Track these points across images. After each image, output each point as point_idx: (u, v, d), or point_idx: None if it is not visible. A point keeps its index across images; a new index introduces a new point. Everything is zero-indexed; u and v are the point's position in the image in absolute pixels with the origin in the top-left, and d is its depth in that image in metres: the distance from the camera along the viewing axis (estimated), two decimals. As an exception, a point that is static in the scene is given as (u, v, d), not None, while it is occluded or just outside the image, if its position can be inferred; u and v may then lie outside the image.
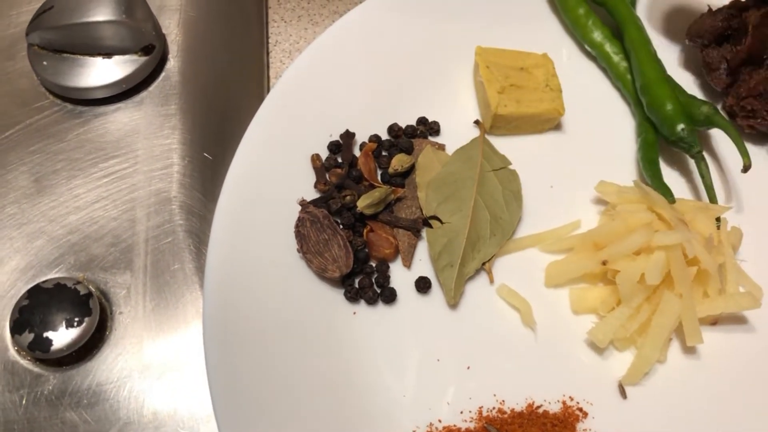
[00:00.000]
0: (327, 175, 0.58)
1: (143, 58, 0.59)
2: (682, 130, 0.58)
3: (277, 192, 0.56)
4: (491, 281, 0.56)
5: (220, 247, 0.52)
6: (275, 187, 0.56)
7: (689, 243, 0.51)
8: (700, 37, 0.63)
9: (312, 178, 0.58)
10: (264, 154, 0.57)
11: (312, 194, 0.57)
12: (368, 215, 0.56)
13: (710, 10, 0.63)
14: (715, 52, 0.63)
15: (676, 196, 0.58)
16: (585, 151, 0.62)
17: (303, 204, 0.56)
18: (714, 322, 0.54)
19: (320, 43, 0.64)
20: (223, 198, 0.54)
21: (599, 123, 0.63)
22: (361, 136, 0.61)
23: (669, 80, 0.62)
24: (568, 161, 0.61)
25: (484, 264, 0.56)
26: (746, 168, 0.56)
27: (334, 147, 0.59)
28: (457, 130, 0.62)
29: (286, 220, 0.55)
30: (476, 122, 0.63)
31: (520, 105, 0.61)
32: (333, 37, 0.64)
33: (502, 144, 0.62)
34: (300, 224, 0.54)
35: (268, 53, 0.68)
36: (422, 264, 0.56)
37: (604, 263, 0.53)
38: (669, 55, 0.67)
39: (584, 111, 0.64)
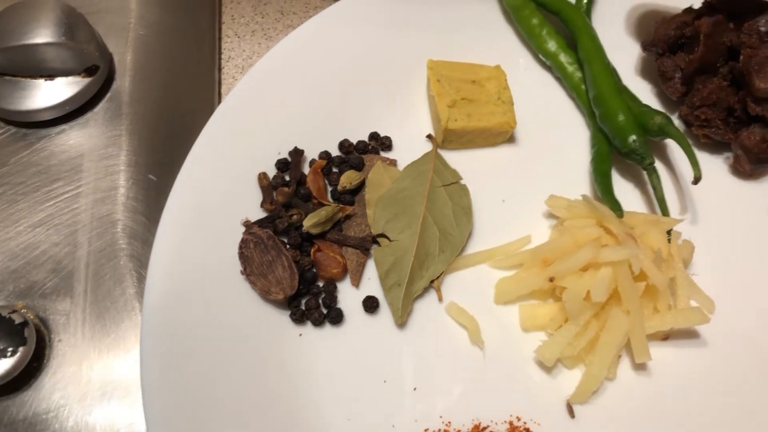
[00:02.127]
0: (274, 194, 0.57)
1: (87, 80, 0.58)
2: (634, 141, 0.57)
3: (222, 212, 0.56)
4: (440, 299, 0.55)
5: (161, 269, 0.52)
6: (220, 207, 0.56)
7: (636, 258, 0.50)
8: (654, 46, 0.62)
9: (259, 197, 0.57)
10: (209, 173, 0.57)
11: (259, 214, 0.57)
12: (316, 234, 0.56)
13: (664, 19, 0.63)
14: (669, 61, 0.62)
15: (630, 208, 0.58)
16: (538, 163, 0.61)
17: (247, 225, 0.55)
18: (665, 337, 0.53)
19: (269, 58, 0.63)
20: (165, 219, 0.54)
21: (554, 135, 0.63)
22: (312, 153, 0.60)
23: (623, 91, 0.62)
24: (521, 174, 0.61)
25: (432, 282, 0.55)
26: (697, 180, 0.55)
27: (282, 165, 0.59)
28: (410, 145, 0.62)
29: (231, 241, 0.54)
30: (429, 136, 0.62)
31: (472, 119, 0.60)
32: (282, 53, 0.63)
33: (455, 158, 0.61)
34: (243, 246, 0.54)
35: (220, 69, 0.68)
36: (372, 283, 0.55)
37: (551, 280, 0.52)
38: (627, 63, 0.67)
39: (539, 123, 0.63)
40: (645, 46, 0.63)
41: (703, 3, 0.62)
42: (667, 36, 0.61)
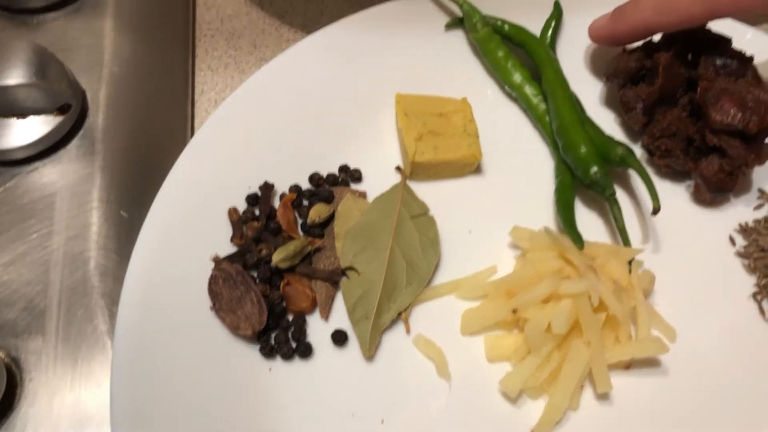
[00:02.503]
0: (244, 229, 0.58)
1: (59, 118, 0.60)
2: (595, 173, 0.59)
3: (193, 248, 0.57)
4: (408, 331, 0.56)
5: (131, 306, 0.53)
6: (190, 242, 0.57)
7: (595, 290, 0.51)
8: (616, 77, 0.64)
9: (230, 231, 0.58)
10: (179, 209, 0.58)
11: (230, 248, 0.58)
12: (285, 268, 0.57)
13: (625, 50, 0.64)
14: (631, 92, 0.63)
15: (593, 237, 0.59)
16: (504, 194, 0.62)
17: (216, 261, 0.56)
18: (627, 366, 0.54)
19: (240, 92, 0.64)
20: (136, 256, 0.55)
21: (519, 166, 0.64)
22: (283, 186, 0.61)
23: (586, 122, 0.63)
24: (488, 205, 0.62)
25: (400, 314, 0.56)
26: (655, 211, 0.56)
27: (252, 199, 0.60)
28: (380, 177, 0.63)
29: (202, 276, 0.55)
30: (397, 168, 0.63)
31: (438, 152, 0.61)
32: (253, 86, 0.65)
33: (423, 189, 0.62)
34: (212, 282, 0.55)
35: (193, 103, 0.69)
36: (341, 315, 0.56)
37: (514, 311, 0.53)
38: (592, 93, 0.68)
39: (505, 154, 0.64)
40: (607, 77, 0.65)
41: (663, 36, 0.64)
42: (628, 68, 0.63)
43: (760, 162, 0.59)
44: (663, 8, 0.58)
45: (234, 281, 0.54)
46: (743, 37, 0.68)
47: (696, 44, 0.62)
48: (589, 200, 0.62)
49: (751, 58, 0.60)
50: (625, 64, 0.63)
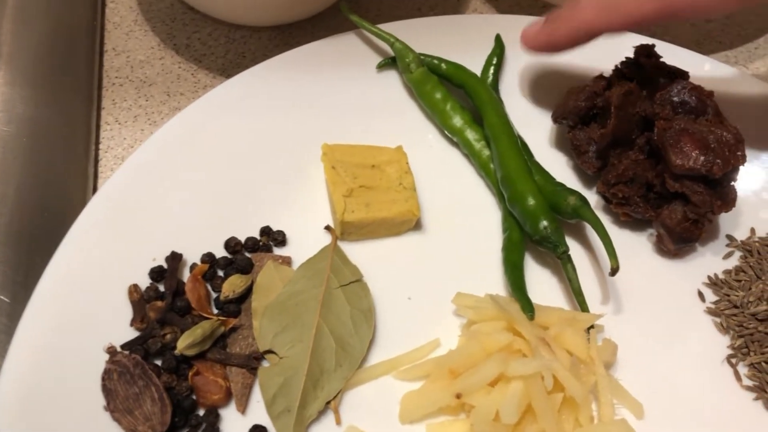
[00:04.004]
0: (146, 309, 0.50)
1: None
2: (545, 228, 0.52)
3: (85, 336, 0.49)
4: (338, 422, 0.48)
5: (11, 406, 0.45)
6: (82, 329, 0.49)
7: (548, 370, 0.44)
8: (565, 119, 0.58)
9: (130, 313, 0.50)
10: (70, 289, 0.50)
11: (130, 334, 0.50)
12: (193, 355, 0.49)
13: (573, 88, 0.58)
14: (582, 133, 0.57)
15: (549, 301, 0.52)
16: (448, 254, 0.56)
17: (111, 351, 0.48)
18: (591, 451, 0.47)
19: (146, 147, 0.57)
20: (15, 347, 0.47)
21: (464, 220, 0.57)
22: (194, 256, 0.54)
23: (535, 169, 0.57)
24: (430, 267, 0.55)
25: (329, 402, 0.48)
26: (614, 271, 0.50)
27: (156, 274, 0.52)
28: (308, 239, 0.56)
29: (95, 371, 0.47)
30: (327, 228, 0.56)
31: (370, 209, 0.54)
32: (161, 140, 0.58)
33: (357, 250, 0.55)
34: (106, 377, 0.47)
35: (96, 162, 0.61)
36: (261, 406, 0.48)
37: (458, 396, 0.46)
38: (542, 134, 0.62)
39: (448, 207, 0.58)
40: (555, 119, 0.59)
41: (613, 71, 0.58)
42: (577, 108, 0.57)
43: (727, 208, 0.53)
44: (608, 7, 0.51)
45: (131, 375, 0.46)
46: (701, 68, 0.63)
47: (651, 79, 0.56)
48: (542, 257, 0.56)
49: (711, 93, 0.54)
50: (574, 104, 0.57)
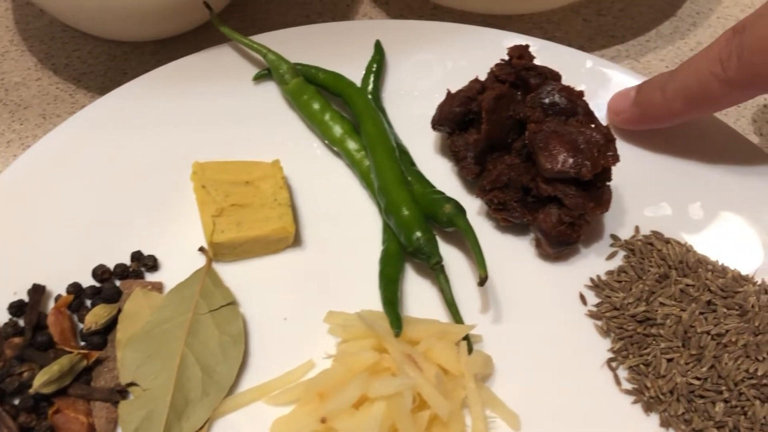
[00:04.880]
0: (3, 346, 0.48)
1: None
2: (418, 239, 0.51)
3: (-66, 380, 0.46)
4: (206, 454, 0.46)
5: None
6: (-68, 374, 0.46)
7: (410, 388, 0.43)
8: (442, 125, 0.57)
9: (-13, 352, 0.48)
10: None
11: (-14, 373, 0.47)
12: (51, 393, 0.47)
13: (449, 93, 0.57)
14: (460, 139, 0.56)
15: (429, 314, 0.51)
16: (327, 270, 0.54)
17: (-42, 396, 0.46)
18: (465, 467, 0.46)
19: (8, 174, 0.55)
20: None
21: (345, 234, 0.56)
22: (59, 287, 0.51)
23: (413, 178, 0.56)
24: (308, 285, 0.53)
25: (196, 433, 0.47)
26: (482, 281, 0.49)
27: (16, 309, 0.50)
28: (181, 262, 0.54)
29: (-57, 416, 0.45)
30: (201, 249, 0.55)
31: (242, 228, 0.53)
32: (24, 164, 0.55)
33: (233, 270, 0.54)
34: (-48, 423, 0.44)
35: (-38, 193, 0.58)
36: (128, 441, 0.47)
37: (323, 421, 0.44)
38: (426, 141, 0.61)
39: (329, 221, 0.56)
40: (434, 125, 0.58)
41: (488, 74, 0.57)
42: (452, 114, 0.56)
43: (602, 209, 0.52)
44: (696, 101, 0.54)
45: (-19, 419, 0.44)
46: (582, 66, 0.62)
47: (525, 81, 0.55)
48: (424, 269, 0.54)
49: (581, 93, 0.54)
50: (449, 110, 0.56)
